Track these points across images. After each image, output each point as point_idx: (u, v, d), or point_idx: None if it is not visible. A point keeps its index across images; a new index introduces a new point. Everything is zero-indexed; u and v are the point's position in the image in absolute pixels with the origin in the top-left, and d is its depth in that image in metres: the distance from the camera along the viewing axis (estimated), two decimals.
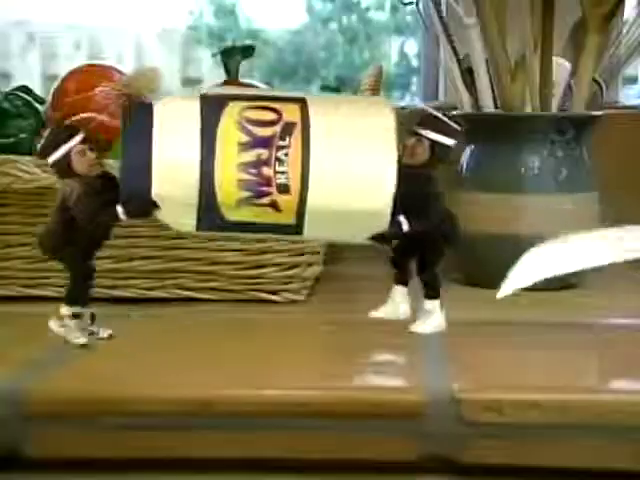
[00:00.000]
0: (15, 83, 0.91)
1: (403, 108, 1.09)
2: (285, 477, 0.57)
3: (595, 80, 0.89)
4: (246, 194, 0.60)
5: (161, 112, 0.61)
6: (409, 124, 0.64)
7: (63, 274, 0.78)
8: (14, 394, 0.56)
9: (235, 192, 0.60)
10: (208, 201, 0.60)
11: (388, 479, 0.57)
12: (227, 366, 0.60)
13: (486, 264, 0.84)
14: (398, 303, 0.68)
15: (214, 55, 0.92)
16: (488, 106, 0.88)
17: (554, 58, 0.87)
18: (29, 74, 1.97)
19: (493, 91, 0.87)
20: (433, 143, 0.63)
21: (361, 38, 2.28)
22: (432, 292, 0.67)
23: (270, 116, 0.61)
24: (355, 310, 0.76)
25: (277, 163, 0.60)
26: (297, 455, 0.56)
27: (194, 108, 0.60)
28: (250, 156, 0.60)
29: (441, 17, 0.89)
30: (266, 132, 0.60)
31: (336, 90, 0.94)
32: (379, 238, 0.63)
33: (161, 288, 0.78)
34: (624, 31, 0.93)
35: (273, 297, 0.78)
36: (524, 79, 0.85)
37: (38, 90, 0.90)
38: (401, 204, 0.61)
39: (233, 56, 0.90)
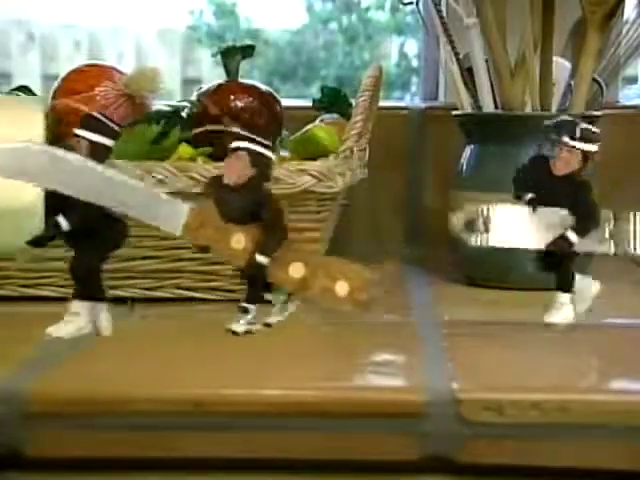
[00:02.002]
0: (15, 83, 0.91)
1: (404, 108, 1.09)
2: (285, 477, 0.57)
3: (595, 80, 0.89)
4: None
5: None
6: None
7: (63, 274, 0.78)
8: (13, 394, 0.56)
9: None
10: None
11: (388, 479, 0.57)
12: (227, 366, 0.60)
13: (486, 264, 0.84)
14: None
15: (214, 55, 0.91)
16: (488, 106, 0.87)
17: (554, 58, 0.87)
18: (29, 74, 1.98)
19: (493, 91, 0.87)
20: (92, 143, 0.64)
21: (361, 38, 2.28)
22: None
23: None
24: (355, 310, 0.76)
25: None
26: (297, 455, 0.56)
27: None
28: None
29: (441, 17, 0.89)
30: None
31: (335, 90, 0.94)
32: (35, 242, 0.62)
33: (161, 288, 0.78)
34: (624, 31, 0.93)
35: None
36: (524, 79, 0.85)
37: (38, 90, 0.90)
38: (58, 203, 0.61)
39: (233, 56, 0.90)
